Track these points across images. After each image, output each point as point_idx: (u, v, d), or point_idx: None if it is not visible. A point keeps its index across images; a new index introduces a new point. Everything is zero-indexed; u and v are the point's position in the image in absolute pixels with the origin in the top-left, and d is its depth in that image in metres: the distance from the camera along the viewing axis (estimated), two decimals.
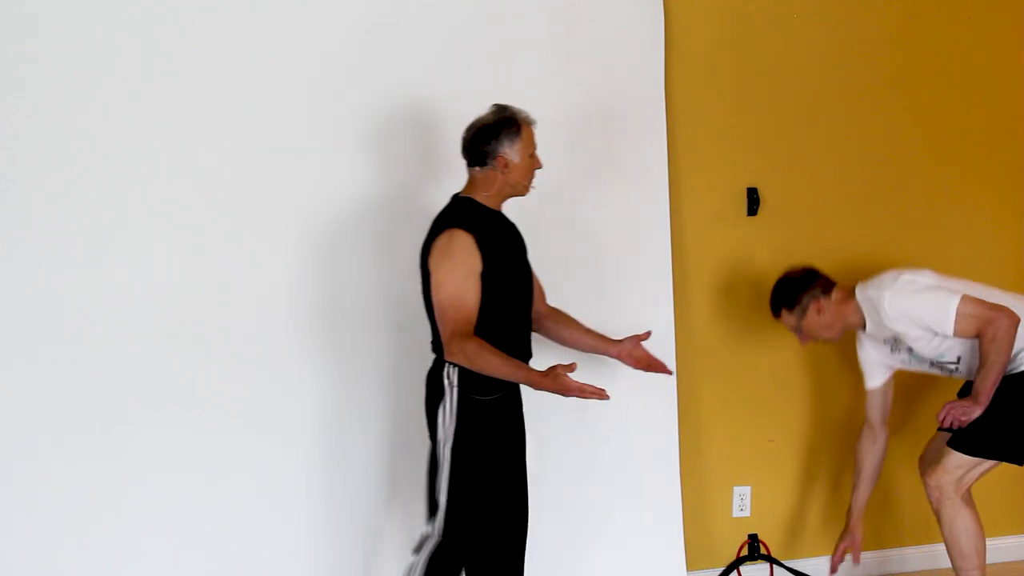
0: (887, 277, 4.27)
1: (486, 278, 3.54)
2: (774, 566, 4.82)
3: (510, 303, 3.65)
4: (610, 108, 4.51)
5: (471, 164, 3.66)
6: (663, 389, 4.51)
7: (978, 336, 4.09)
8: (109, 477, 3.93)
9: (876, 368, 4.45)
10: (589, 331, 3.98)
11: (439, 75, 4.25)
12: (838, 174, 4.94)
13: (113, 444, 3.93)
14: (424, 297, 3.64)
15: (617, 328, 4.38)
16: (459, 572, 3.68)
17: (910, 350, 4.28)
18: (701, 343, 4.74)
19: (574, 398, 3.46)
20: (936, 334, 4.17)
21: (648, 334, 3.91)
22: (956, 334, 4.12)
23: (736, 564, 4.77)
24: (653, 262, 4.57)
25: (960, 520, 4.24)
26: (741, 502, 4.87)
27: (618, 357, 3.94)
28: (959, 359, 4.25)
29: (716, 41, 4.73)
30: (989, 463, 4.22)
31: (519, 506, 3.79)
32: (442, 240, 3.55)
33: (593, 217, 4.48)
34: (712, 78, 4.73)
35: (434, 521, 3.61)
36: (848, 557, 4.54)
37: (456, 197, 3.70)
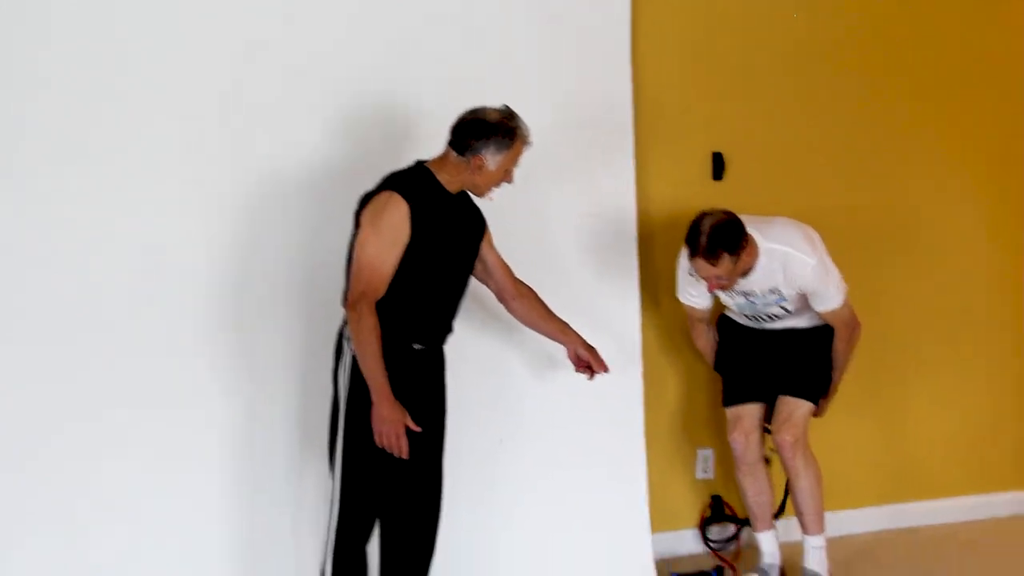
0: (799, 239, 4.20)
1: (411, 250, 3.50)
2: (740, 527, 4.89)
3: (431, 281, 3.60)
4: (575, 73, 4.50)
5: (450, 144, 3.62)
6: (628, 352, 4.55)
7: (834, 328, 4.34)
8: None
9: (703, 297, 4.42)
10: (551, 317, 3.99)
11: (401, 41, 4.24)
12: (804, 137, 4.96)
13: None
14: (349, 246, 3.59)
15: (579, 294, 4.43)
16: (366, 534, 3.65)
17: (754, 298, 4.30)
18: (665, 307, 4.77)
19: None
20: (800, 300, 4.28)
21: (596, 375, 4.01)
22: (822, 316, 4.32)
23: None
24: (619, 228, 4.58)
25: (813, 468, 4.40)
26: (705, 464, 4.92)
27: (566, 346, 4.01)
28: (788, 314, 4.36)
29: (682, 5, 4.71)
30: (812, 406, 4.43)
31: (422, 472, 3.66)
32: (381, 199, 3.51)
33: (557, 183, 4.47)
34: (677, 43, 4.73)
35: (332, 475, 3.60)
36: None
37: (418, 164, 3.66)
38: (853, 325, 4.35)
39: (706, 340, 4.61)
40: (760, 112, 4.89)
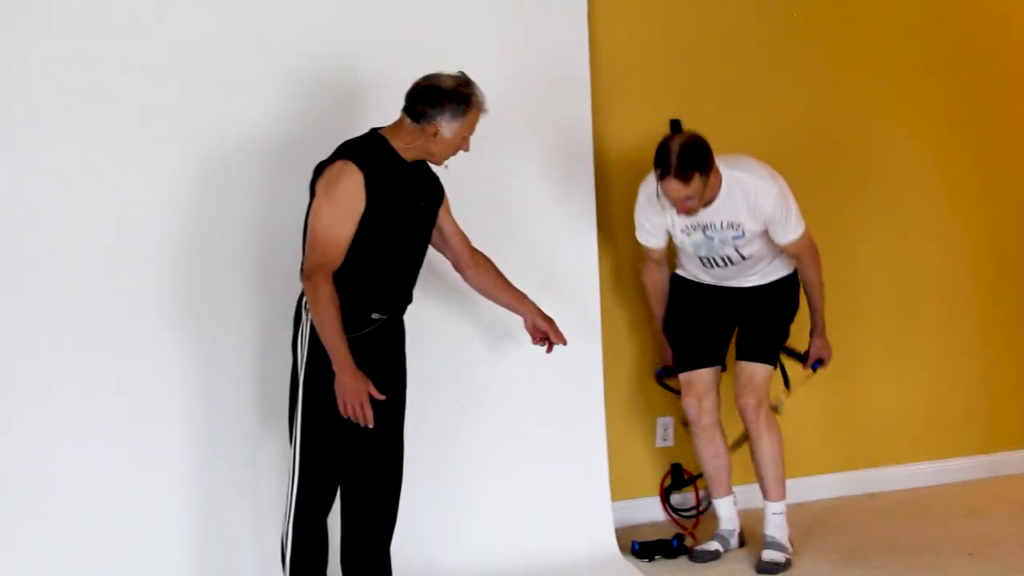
0: (761, 169, 4.22)
1: (367, 220, 3.47)
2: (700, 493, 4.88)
3: (389, 250, 3.57)
4: (531, 41, 4.47)
5: (405, 111, 3.57)
6: (587, 321, 4.54)
7: (799, 259, 4.34)
8: None
9: (661, 235, 4.38)
10: (508, 287, 3.96)
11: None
12: (762, 104, 4.95)
13: None
14: (305, 217, 3.56)
15: (538, 262, 4.41)
16: (326, 505, 3.63)
17: (712, 233, 4.25)
18: (623, 273, 4.77)
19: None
20: (761, 238, 4.26)
21: (556, 345, 3.98)
22: (784, 248, 4.31)
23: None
24: (577, 195, 4.56)
25: (776, 432, 4.42)
26: (664, 432, 4.92)
27: (523, 317, 3.98)
28: (742, 260, 4.32)
29: None
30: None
31: (383, 441, 3.65)
32: (335, 168, 3.47)
33: (515, 148, 4.45)
34: (635, 10, 4.71)
35: (292, 446, 3.57)
36: None
37: (373, 132, 3.62)
38: (815, 250, 4.35)
39: (653, 278, 4.53)
40: (719, 79, 4.88)
